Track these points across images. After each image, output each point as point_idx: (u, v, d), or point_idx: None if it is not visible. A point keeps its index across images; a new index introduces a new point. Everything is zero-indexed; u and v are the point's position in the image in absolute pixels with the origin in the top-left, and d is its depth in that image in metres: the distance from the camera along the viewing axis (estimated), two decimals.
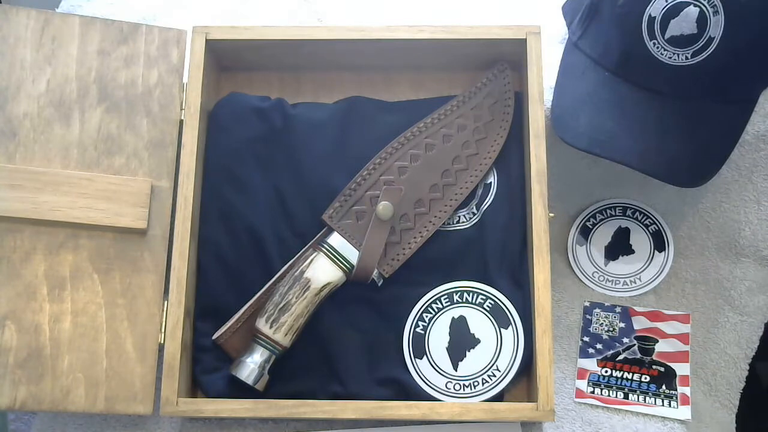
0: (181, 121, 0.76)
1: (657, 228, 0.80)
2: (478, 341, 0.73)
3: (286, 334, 0.70)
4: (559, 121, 0.73)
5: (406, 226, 0.75)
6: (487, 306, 0.73)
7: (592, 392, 0.76)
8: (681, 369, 0.76)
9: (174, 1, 0.88)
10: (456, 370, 0.72)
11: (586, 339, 0.78)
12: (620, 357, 0.77)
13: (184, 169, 0.73)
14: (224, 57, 0.79)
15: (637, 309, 0.79)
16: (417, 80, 0.81)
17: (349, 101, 0.79)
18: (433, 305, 0.74)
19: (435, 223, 0.75)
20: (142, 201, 0.73)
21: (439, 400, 0.71)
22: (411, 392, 0.71)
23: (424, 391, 0.71)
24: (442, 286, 0.74)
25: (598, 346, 0.78)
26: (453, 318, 0.73)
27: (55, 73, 0.76)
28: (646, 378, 0.76)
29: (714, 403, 0.77)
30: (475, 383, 0.71)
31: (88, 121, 0.75)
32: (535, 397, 0.68)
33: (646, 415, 0.75)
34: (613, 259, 0.80)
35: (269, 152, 0.77)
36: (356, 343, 0.73)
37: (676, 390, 0.76)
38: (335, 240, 0.73)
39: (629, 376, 0.76)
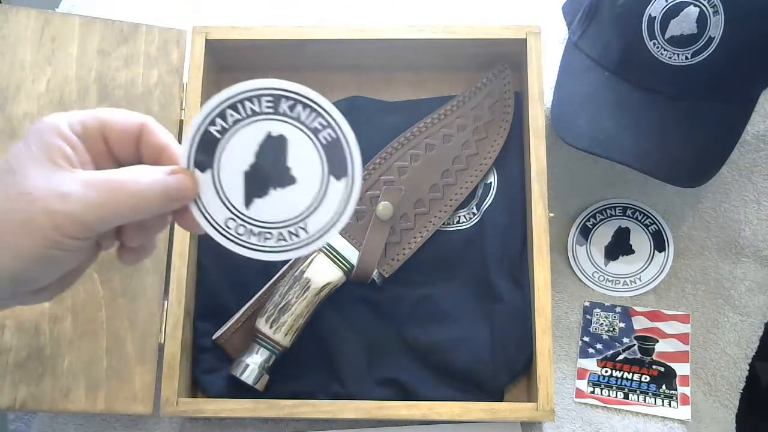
0: (181, 121, 0.75)
1: (657, 228, 0.80)
2: None
3: (286, 334, 0.70)
4: (559, 121, 0.73)
5: (406, 226, 0.75)
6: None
7: (592, 392, 0.76)
8: (681, 369, 0.76)
9: (174, 1, 0.88)
10: None
11: (586, 339, 0.78)
12: (620, 357, 0.77)
13: None
14: (224, 57, 0.79)
15: (637, 309, 0.78)
16: (417, 80, 0.81)
17: (349, 101, 0.79)
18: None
19: (435, 223, 0.75)
20: None
21: None
22: (411, 392, 0.71)
23: (424, 391, 0.71)
24: None
25: (598, 346, 0.78)
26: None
27: (55, 73, 0.76)
28: (646, 378, 0.76)
29: (714, 403, 0.77)
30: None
31: None
32: (535, 397, 0.68)
33: (646, 415, 0.75)
34: (613, 259, 0.80)
35: None
36: (356, 343, 0.73)
37: (676, 390, 0.76)
38: (335, 240, 0.73)
39: (629, 376, 0.76)
